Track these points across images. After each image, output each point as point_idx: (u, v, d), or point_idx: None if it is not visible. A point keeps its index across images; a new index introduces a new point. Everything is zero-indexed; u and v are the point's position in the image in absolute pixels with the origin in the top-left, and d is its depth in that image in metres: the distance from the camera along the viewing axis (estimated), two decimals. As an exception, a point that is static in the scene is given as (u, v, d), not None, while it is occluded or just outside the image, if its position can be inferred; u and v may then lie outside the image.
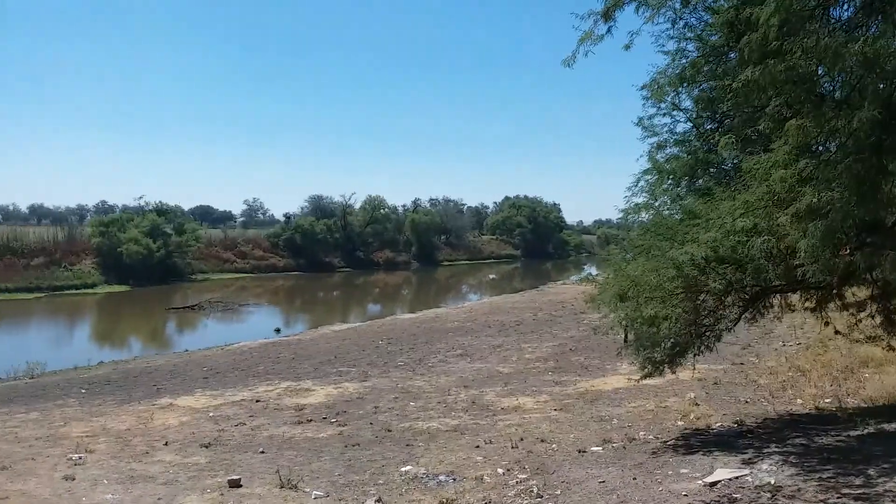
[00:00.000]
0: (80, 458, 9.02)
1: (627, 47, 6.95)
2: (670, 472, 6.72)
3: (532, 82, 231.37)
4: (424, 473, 7.86)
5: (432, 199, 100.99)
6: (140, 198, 56.29)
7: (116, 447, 9.66)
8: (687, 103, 8.21)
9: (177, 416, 11.67)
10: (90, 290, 42.26)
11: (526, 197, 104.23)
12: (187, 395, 13.58)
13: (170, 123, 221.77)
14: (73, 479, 8.09)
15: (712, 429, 8.90)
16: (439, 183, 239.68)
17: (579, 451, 8.26)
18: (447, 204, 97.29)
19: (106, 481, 8.00)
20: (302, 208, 74.44)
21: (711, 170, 7.94)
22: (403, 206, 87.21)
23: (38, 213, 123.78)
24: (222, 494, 7.40)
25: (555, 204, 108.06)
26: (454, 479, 7.58)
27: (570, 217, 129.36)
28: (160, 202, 54.98)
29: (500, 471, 7.70)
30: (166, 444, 9.77)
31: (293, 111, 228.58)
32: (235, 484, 7.65)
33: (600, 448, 8.35)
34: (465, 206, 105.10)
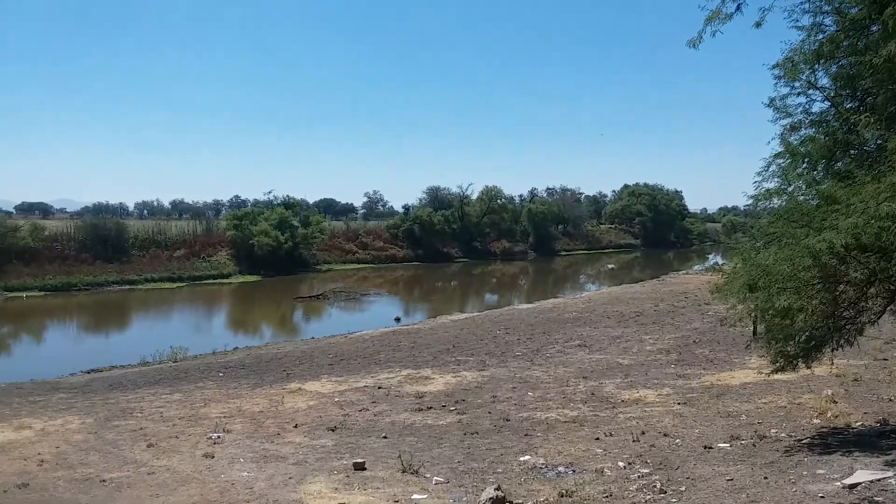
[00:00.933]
0: (218, 437, 9.64)
1: (758, 25, 6.59)
2: (805, 473, 6.36)
3: (653, 64, 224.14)
4: (543, 464, 7.84)
5: (549, 189, 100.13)
6: (269, 192, 59.13)
7: (251, 428, 10.24)
8: (824, 81, 7.65)
9: (305, 400, 12.22)
10: (225, 280, 44.87)
11: (646, 184, 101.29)
12: (314, 381, 14.18)
13: (297, 122, 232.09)
14: (213, 457, 8.66)
15: (852, 428, 8.33)
16: (557, 172, 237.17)
17: (705, 447, 7.96)
18: (564, 193, 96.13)
19: (242, 460, 8.52)
20: (420, 200, 75.84)
21: (852, 151, 7.37)
22: (520, 196, 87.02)
23: (180, 209, 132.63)
24: (348, 476, 7.70)
25: (676, 191, 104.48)
26: (573, 471, 7.52)
27: (693, 204, 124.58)
28: (287, 196, 57.55)
29: (620, 464, 7.56)
30: (296, 426, 10.25)
31: (413, 106, 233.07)
32: (360, 467, 7.93)
33: (727, 444, 8.02)
34: (583, 195, 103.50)
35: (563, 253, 76.99)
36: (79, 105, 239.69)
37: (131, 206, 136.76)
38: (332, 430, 9.93)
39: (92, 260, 41.98)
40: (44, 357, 22.36)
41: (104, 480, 7.85)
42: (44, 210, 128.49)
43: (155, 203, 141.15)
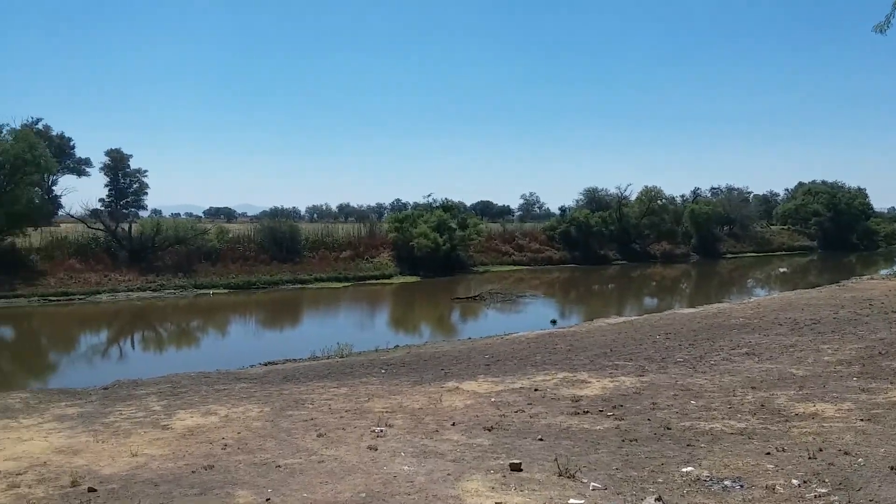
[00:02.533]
0: (381, 430, 10.08)
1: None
2: None
3: (831, 53, 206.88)
4: (708, 476, 7.50)
5: (714, 188, 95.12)
6: (429, 195, 60.74)
7: (411, 423, 10.62)
8: None
9: (462, 400, 12.47)
10: (387, 280, 46.69)
11: (824, 182, 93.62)
12: (471, 380, 14.44)
13: (456, 126, 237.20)
14: (376, 450, 9.07)
15: None
16: (722, 171, 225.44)
17: (892, 469, 7.26)
18: (730, 192, 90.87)
19: (403, 454, 8.85)
20: (577, 201, 74.78)
21: None
22: (682, 196, 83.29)
23: (346, 212, 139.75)
24: (504, 476, 7.78)
25: (860, 189, 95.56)
26: (741, 486, 7.13)
27: (880, 203, 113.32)
28: (446, 199, 58.78)
29: (794, 482, 7.07)
30: (453, 424, 10.50)
31: (569, 107, 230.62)
32: (516, 467, 7.99)
33: (920, 468, 7.26)
34: (751, 195, 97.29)
35: (729, 255, 72.93)
36: (259, 118, 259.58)
37: (303, 210, 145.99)
38: (489, 430, 10.07)
39: (269, 260, 45.28)
40: (227, 349, 24.41)
41: (279, 466, 8.46)
42: (228, 214, 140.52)
43: (324, 207, 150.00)
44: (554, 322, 28.01)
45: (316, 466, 8.40)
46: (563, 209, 76.81)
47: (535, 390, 13.07)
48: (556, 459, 8.13)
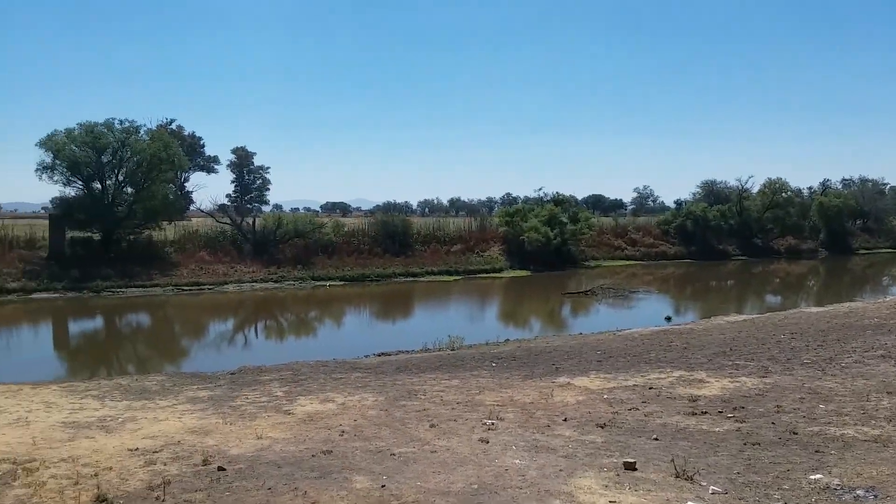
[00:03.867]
0: (492, 423, 10.14)
1: None
2: None
3: None
4: (838, 485, 7.09)
5: (845, 180, 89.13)
6: (539, 189, 60.31)
7: (522, 418, 10.62)
8: None
9: (574, 395, 12.35)
10: (497, 274, 46.76)
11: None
12: (582, 376, 14.26)
13: (566, 119, 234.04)
14: (488, 443, 9.14)
15: None
16: (854, 161, 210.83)
17: None
18: (864, 184, 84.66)
19: (514, 448, 8.88)
20: (693, 194, 72.10)
21: None
22: (809, 188, 78.71)
23: (456, 206, 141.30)
24: (618, 475, 7.65)
25: None
26: (875, 496, 6.69)
27: None
28: (557, 193, 58.13)
29: (938, 495, 6.56)
30: (565, 420, 10.42)
31: (684, 97, 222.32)
32: (631, 466, 7.84)
33: None
34: (888, 186, 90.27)
35: (862, 251, 68.11)
36: (373, 115, 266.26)
37: (415, 204, 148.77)
38: (602, 427, 9.92)
39: (382, 253, 46.39)
40: (343, 339, 25.25)
41: (394, 454, 8.69)
42: (343, 209, 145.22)
43: (435, 201, 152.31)
44: (669, 319, 27.17)
45: (429, 456, 8.56)
46: (678, 202, 74.34)
47: (650, 388, 12.75)
48: (672, 460, 7.92)
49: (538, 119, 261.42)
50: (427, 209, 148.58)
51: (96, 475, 7.86)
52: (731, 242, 63.06)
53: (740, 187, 67.83)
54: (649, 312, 29.72)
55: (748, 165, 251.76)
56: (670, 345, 18.43)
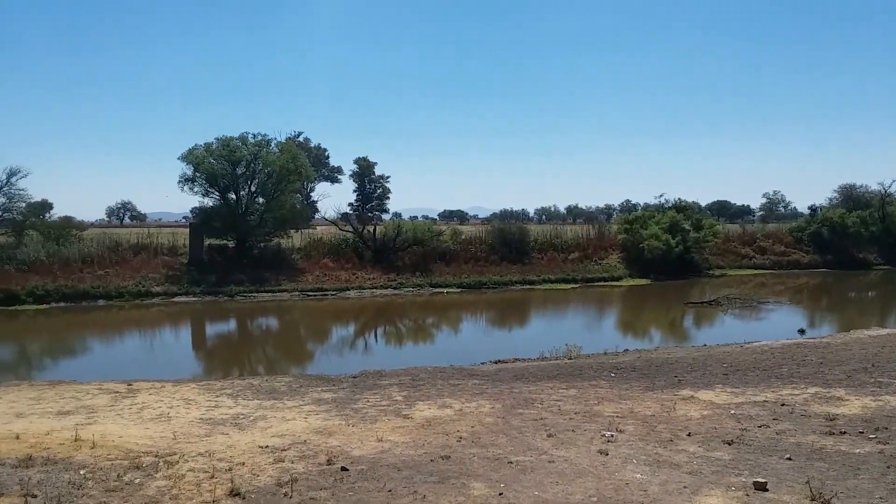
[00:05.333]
0: (612, 435, 9.93)
1: None
2: None
3: None
4: None
5: None
6: (660, 196, 58.50)
7: (643, 430, 10.33)
8: None
9: (698, 409, 11.89)
10: (616, 283, 45.71)
11: None
12: (707, 390, 13.70)
13: (688, 123, 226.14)
14: (607, 455, 8.96)
15: None
16: None
17: None
18: None
19: (635, 461, 8.66)
20: (830, 199, 67.84)
21: None
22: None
23: (574, 213, 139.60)
24: (747, 495, 7.31)
25: None
26: None
27: None
28: (679, 199, 56.19)
29: None
30: (689, 434, 10.05)
31: (815, 97, 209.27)
32: (761, 487, 7.46)
33: None
34: None
35: None
36: (489, 122, 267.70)
37: (532, 212, 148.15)
38: (729, 444, 9.49)
39: (499, 261, 46.51)
40: (459, 346, 25.46)
41: (511, 462, 8.69)
42: (461, 216, 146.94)
43: (552, 208, 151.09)
44: (802, 331, 25.58)
45: (546, 466, 8.50)
46: (812, 208, 69.99)
47: (782, 405, 12.07)
48: (807, 482, 7.47)
49: (659, 124, 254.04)
50: (544, 216, 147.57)
51: (230, 470, 8.34)
52: (873, 251, 58.62)
53: (883, 192, 63.07)
54: (780, 324, 28.12)
55: (891, 169, 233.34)
56: (804, 359, 17.36)
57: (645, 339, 26.42)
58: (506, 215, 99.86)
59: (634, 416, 11.33)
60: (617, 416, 11.28)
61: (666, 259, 47.40)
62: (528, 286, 43.17)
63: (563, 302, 39.03)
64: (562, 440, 9.79)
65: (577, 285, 44.27)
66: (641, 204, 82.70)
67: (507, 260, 46.81)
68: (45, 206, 46.72)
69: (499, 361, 19.68)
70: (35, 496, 7.32)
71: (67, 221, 45.54)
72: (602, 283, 45.23)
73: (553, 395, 13.35)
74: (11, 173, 41.20)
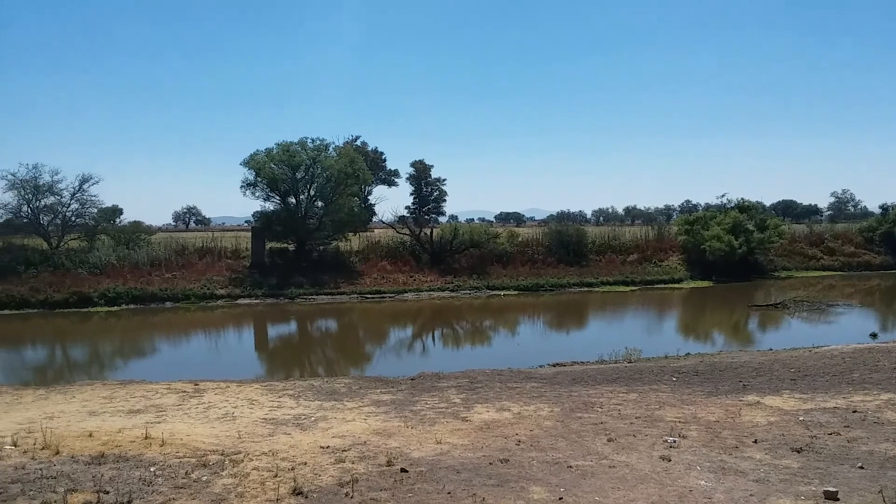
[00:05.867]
0: (674, 441, 9.75)
1: None
2: None
3: None
4: None
5: None
6: (722, 196, 57.09)
7: (707, 436, 10.11)
8: None
9: (764, 415, 11.57)
10: (676, 285, 44.81)
11: None
12: (774, 395, 13.32)
13: (749, 123, 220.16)
14: (669, 461, 8.80)
15: None
16: None
17: None
18: None
19: (699, 468, 8.48)
20: (903, 197, 65.04)
21: None
22: None
23: (632, 214, 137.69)
24: (817, 504, 7.08)
25: None
26: None
27: None
28: (741, 199, 54.72)
29: None
30: (755, 441, 9.79)
31: (883, 94, 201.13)
32: (832, 496, 7.22)
33: None
34: None
35: None
36: (545, 124, 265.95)
37: (589, 213, 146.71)
38: (797, 452, 9.21)
39: (556, 263, 46.17)
40: (516, 348, 25.35)
41: (571, 466, 8.62)
42: (517, 219, 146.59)
43: (610, 210, 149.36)
44: (874, 336, 24.59)
45: (607, 471, 8.40)
46: (884, 207, 67.41)
47: (854, 412, 11.64)
48: (880, 491, 7.20)
49: (721, 122, 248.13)
50: (601, 218, 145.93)
51: (293, 469, 8.51)
52: (950, 251, 55.97)
53: (962, 189, 60.16)
54: (851, 328, 27.11)
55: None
56: (877, 364, 16.70)
57: (707, 342, 25.82)
58: (563, 217, 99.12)
59: (697, 422, 11.10)
60: (679, 422, 11.07)
61: (728, 260, 46.23)
62: (585, 288, 42.72)
63: (621, 304, 38.47)
64: (622, 445, 9.66)
65: (636, 288, 43.59)
66: (702, 204, 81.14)
67: (565, 262, 46.42)
68: (116, 211, 48.41)
69: (557, 364, 19.54)
70: (107, 492, 7.60)
71: (137, 226, 47.21)
72: (662, 286, 44.41)
73: (613, 399, 13.19)
74: (84, 180, 42.96)
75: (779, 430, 10.46)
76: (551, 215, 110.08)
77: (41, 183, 41.89)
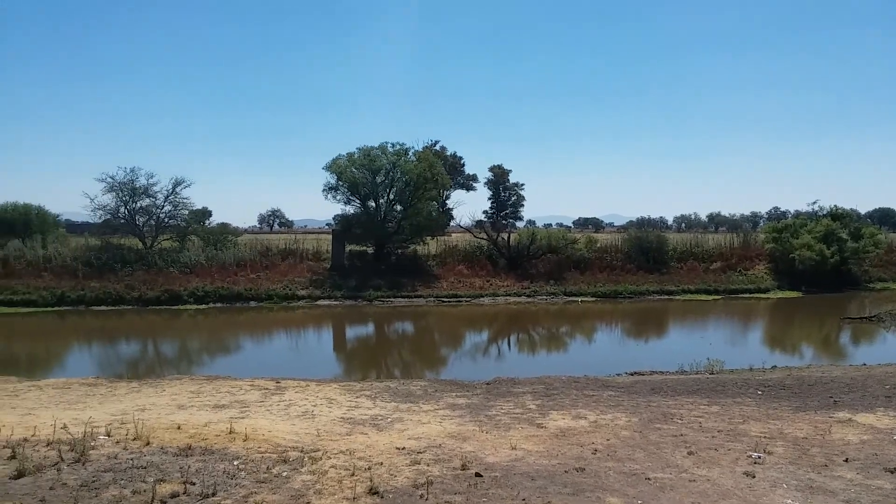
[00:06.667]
0: (758, 456, 9.41)
1: None
2: None
3: None
4: None
5: None
6: (814, 202, 54.83)
7: (794, 453, 9.72)
8: None
9: (856, 433, 11.03)
10: (762, 295, 43.20)
11: None
12: (867, 413, 12.68)
13: (841, 127, 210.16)
14: (753, 477, 8.51)
15: None
16: None
17: None
18: None
19: (785, 486, 8.16)
20: None
21: None
22: None
23: (716, 221, 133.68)
24: (913, 530, 6.71)
25: None
26: None
27: None
28: (834, 206, 52.31)
29: None
30: (846, 460, 9.35)
31: None
32: (930, 522, 6.82)
33: None
34: None
35: None
36: (625, 126, 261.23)
37: (670, 220, 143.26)
38: (892, 472, 8.74)
39: (635, 270, 45.31)
40: (593, 356, 25.02)
41: (649, 478, 8.45)
42: (596, 224, 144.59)
43: (692, 216, 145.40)
44: (982, 353, 23.06)
45: (687, 485, 8.20)
46: None
47: (956, 433, 10.96)
48: None
49: (811, 125, 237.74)
50: (683, 224, 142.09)
51: (369, 469, 8.66)
52: None
53: None
54: (955, 344, 25.49)
55: None
56: (984, 384, 15.65)
57: (795, 355, 24.79)
58: (643, 223, 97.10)
59: (784, 438, 10.68)
60: (764, 437, 10.68)
61: (819, 270, 44.26)
62: (665, 296, 41.74)
63: (703, 314, 37.37)
64: (703, 459, 9.40)
65: (719, 297, 42.27)
66: (792, 211, 77.80)
67: (644, 269, 45.50)
68: (206, 213, 50.54)
69: (635, 373, 19.17)
70: (193, 484, 7.92)
71: (224, 228, 49.13)
72: (747, 295, 42.91)
73: (693, 411, 12.84)
74: (177, 183, 45.04)
75: (871, 450, 9.95)
76: (631, 221, 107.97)
77: (137, 186, 44.22)
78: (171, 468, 8.55)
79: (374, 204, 44.79)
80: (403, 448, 9.85)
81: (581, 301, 39.86)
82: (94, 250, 41.71)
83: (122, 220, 44.83)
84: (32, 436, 10.14)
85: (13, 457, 8.80)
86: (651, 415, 12.43)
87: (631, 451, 9.77)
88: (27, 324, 31.38)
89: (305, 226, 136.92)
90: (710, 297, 41.92)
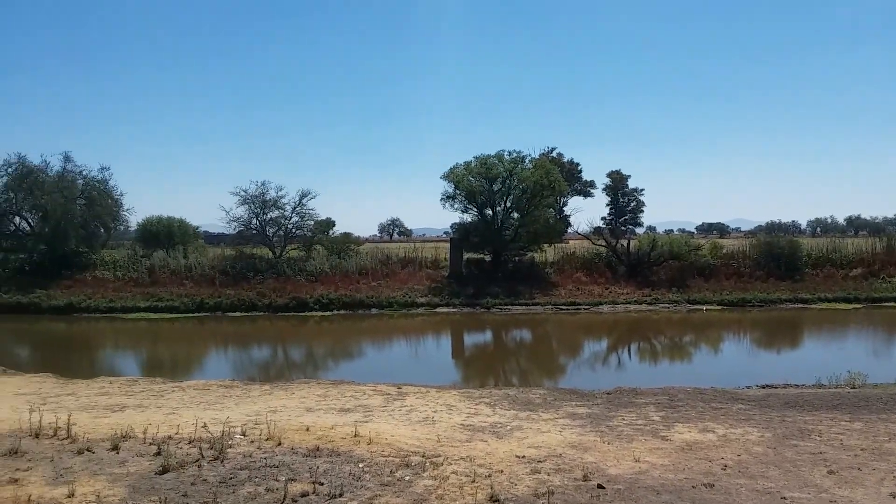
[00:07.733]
0: (908, 479, 8.72)
1: None
2: None
3: None
4: None
5: None
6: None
7: (949, 477, 8.93)
8: None
9: None
10: (911, 303, 39.93)
11: None
12: None
13: None
14: (902, 500, 7.90)
15: None
16: None
17: None
18: None
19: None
20: None
21: None
22: None
23: (855, 225, 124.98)
24: None
25: None
26: None
27: None
28: None
29: None
30: None
31: None
32: None
33: None
34: None
35: None
36: (750, 127, 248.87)
37: (803, 224, 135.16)
38: None
39: (765, 277, 43.01)
40: (719, 367, 23.97)
41: (784, 497, 8.01)
42: (721, 230, 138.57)
43: (828, 220, 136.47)
44: None
45: (827, 506, 7.72)
46: None
47: None
48: None
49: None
50: (818, 228, 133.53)
51: (489, 476, 8.72)
52: None
53: None
54: None
55: None
56: None
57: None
58: (773, 227, 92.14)
59: (938, 460, 9.83)
60: (916, 458, 9.87)
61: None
62: (799, 305, 39.36)
63: (842, 323, 34.94)
64: (845, 478, 8.81)
65: (861, 305, 39.39)
66: (945, 212, 71.18)
67: (775, 276, 43.10)
68: (330, 223, 52.47)
69: (767, 386, 18.20)
70: (322, 484, 8.27)
71: (347, 237, 50.83)
72: (892, 304, 39.75)
73: (833, 428, 12.05)
74: (303, 195, 47.23)
75: None
76: (759, 226, 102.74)
77: (268, 199, 46.70)
78: (301, 468, 8.96)
79: (490, 212, 45.06)
80: (523, 456, 9.85)
81: (706, 309, 38.29)
82: (229, 260, 44.45)
83: (254, 231, 47.43)
84: (176, 434, 10.92)
85: (158, 453, 9.53)
86: (786, 430, 11.77)
87: (764, 469, 9.31)
88: (171, 329, 33.82)
89: (424, 234, 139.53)
90: (850, 306, 39.16)
